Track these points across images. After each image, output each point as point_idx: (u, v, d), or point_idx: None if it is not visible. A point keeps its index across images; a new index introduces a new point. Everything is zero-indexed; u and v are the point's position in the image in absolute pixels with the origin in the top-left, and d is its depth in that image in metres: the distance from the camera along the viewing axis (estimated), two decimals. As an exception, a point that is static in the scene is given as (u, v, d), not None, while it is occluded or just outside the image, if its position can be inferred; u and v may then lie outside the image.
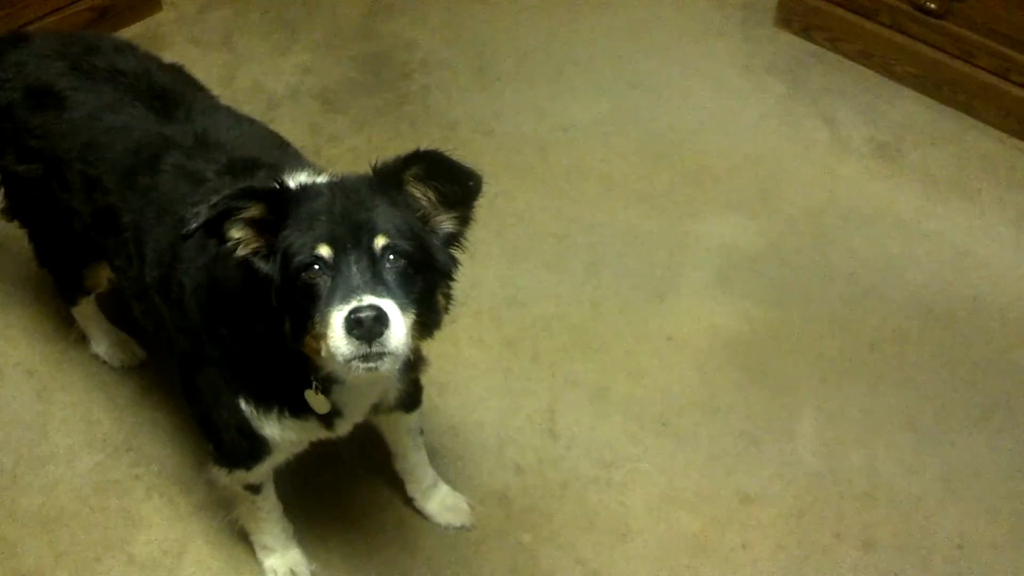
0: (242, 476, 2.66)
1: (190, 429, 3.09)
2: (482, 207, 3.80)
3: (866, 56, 4.50)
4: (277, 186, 2.17)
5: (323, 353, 2.10)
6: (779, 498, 3.07)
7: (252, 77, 4.44)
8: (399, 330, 2.06)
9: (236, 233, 2.17)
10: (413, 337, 2.15)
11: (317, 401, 2.36)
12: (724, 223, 3.86)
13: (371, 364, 2.06)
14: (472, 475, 3.13)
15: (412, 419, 2.87)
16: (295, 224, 2.15)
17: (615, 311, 3.57)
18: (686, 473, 3.13)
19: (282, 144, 2.82)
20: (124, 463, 3.13)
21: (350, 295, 2.05)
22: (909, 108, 4.33)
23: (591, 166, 4.09)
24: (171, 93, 2.78)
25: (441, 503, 3.01)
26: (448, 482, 3.07)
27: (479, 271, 3.66)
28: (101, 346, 3.33)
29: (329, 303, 2.07)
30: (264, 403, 2.43)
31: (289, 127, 4.19)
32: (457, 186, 2.21)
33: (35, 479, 3.10)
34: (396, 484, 3.04)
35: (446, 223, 2.25)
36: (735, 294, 3.61)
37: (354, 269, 2.09)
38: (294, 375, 2.33)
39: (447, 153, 2.20)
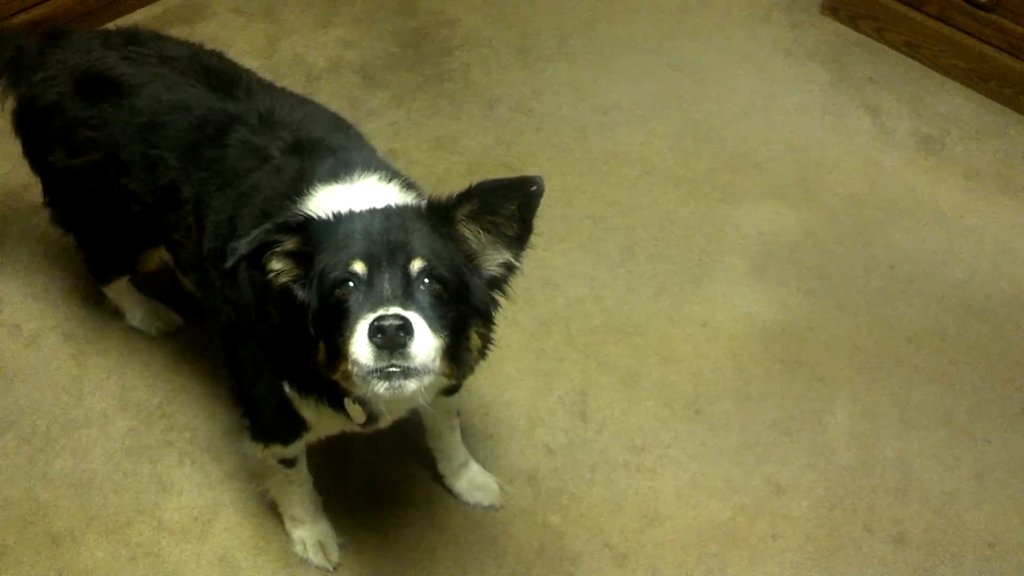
0: (278, 451, 2.68)
1: (223, 397, 3.10)
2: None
3: (913, 47, 4.45)
4: (305, 218, 2.17)
5: (349, 369, 2.07)
6: (810, 489, 3.05)
7: (293, 49, 4.44)
8: (424, 344, 2.03)
9: (276, 264, 2.18)
10: (442, 369, 2.12)
11: (354, 411, 2.37)
12: (763, 210, 3.83)
13: (394, 384, 2.04)
14: (501, 454, 3.13)
15: (451, 401, 2.86)
16: (330, 247, 2.14)
17: (650, 295, 3.56)
18: (717, 461, 3.12)
19: (344, 126, 2.81)
20: (157, 429, 3.15)
21: (378, 305, 2.03)
22: (954, 101, 4.29)
23: (630, 149, 4.06)
24: (226, 74, 2.80)
25: (471, 482, 3.01)
26: (477, 461, 3.07)
27: (514, 250, 3.65)
28: (136, 317, 3.35)
29: (358, 314, 2.05)
30: (304, 389, 2.42)
31: (328, 100, 4.16)
32: (516, 200, 2.17)
33: (69, 442, 3.12)
34: (424, 460, 3.05)
35: (493, 267, 2.23)
36: (772, 282, 3.59)
37: (386, 284, 2.07)
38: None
39: (502, 181, 2.21)
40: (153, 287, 3.39)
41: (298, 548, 2.88)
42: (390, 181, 2.39)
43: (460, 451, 3.00)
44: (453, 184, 3.77)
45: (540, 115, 4.19)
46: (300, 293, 2.18)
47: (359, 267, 2.09)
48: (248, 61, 4.20)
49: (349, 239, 2.12)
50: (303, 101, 2.84)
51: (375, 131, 4.05)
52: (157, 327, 3.35)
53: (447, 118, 4.16)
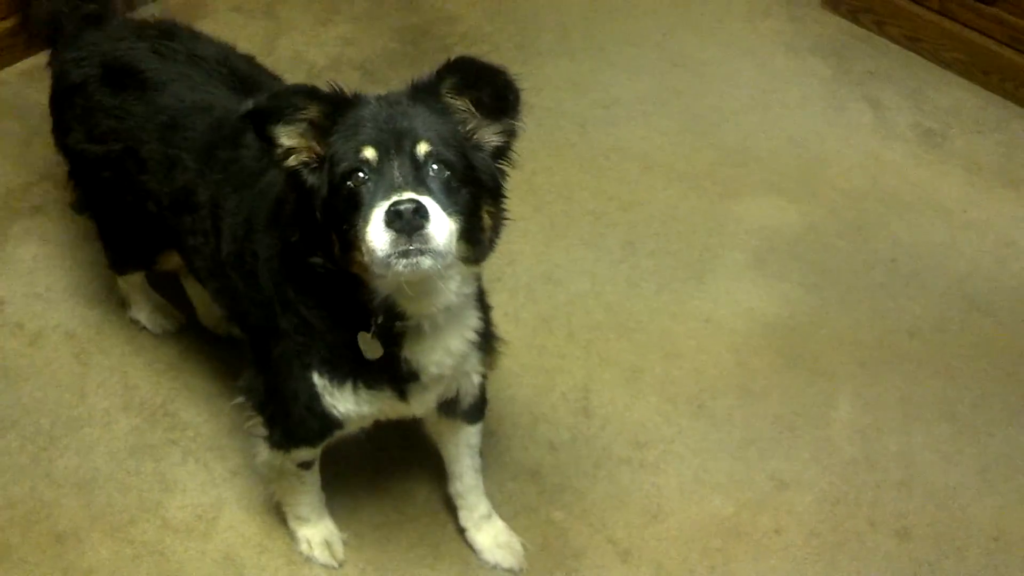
0: (301, 454, 2.65)
1: (226, 396, 3.09)
2: (520, 183, 3.84)
3: (913, 41, 4.45)
4: (333, 89, 2.19)
5: (366, 259, 2.08)
6: (814, 484, 3.05)
7: (293, 47, 4.44)
8: (441, 226, 2.04)
9: (287, 140, 2.17)
10: (459, 252, 2.13)
11: (370, 345, 2.32)
12: (764, 205, 3.83)
13: (411, 260, 2.03)
14: (504, 451, 3.13)
15: (472, 432, 2.81)
16: (342, 131, 2.15)
17: (652, 291, 3.56)
18: (720, 456, 3.12)
19: None
20: (160, 427, 3.14)
21: (391, 192, 2.04)
22: (956, 95, 4.29)
23: (631, 144, 4.06)
24: (251, 78, 2.81)
25: (494, 539, 2.90)
26: (479, 457, 3.06)
27: (516, 247, 3.65)
28: (142, 312, 3.34)
29: (371, 203, 2.06)
30: (338, 376, 2.41)
31: (330, 97, 4.20)
32: (494, 93, 2.18)
33: (72, 441, 3.12)
34: (425, 459, 3.02)
35: (492, 136, 2.23)
36: (774, 277, 3.59)
37: (396, 172, 2.08)
38: (355, 321, 2.30)
39: (481, 58, 2.18)
40: (160, 283, 3.39)
41: (303, 547, 2.87)
42: None
43: (483, 500, 2.90)
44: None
45: (541, 110, 4.18)
46: (310, 178, 2.18)
47: (369, 153, 2.10)
48: (248, 59, 4.24)
49: (359, 126, 2.14)
50: None
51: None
52: (162, 325, 3.34)
53: (448, 115, 4.15)
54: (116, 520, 2.96)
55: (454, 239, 2.09)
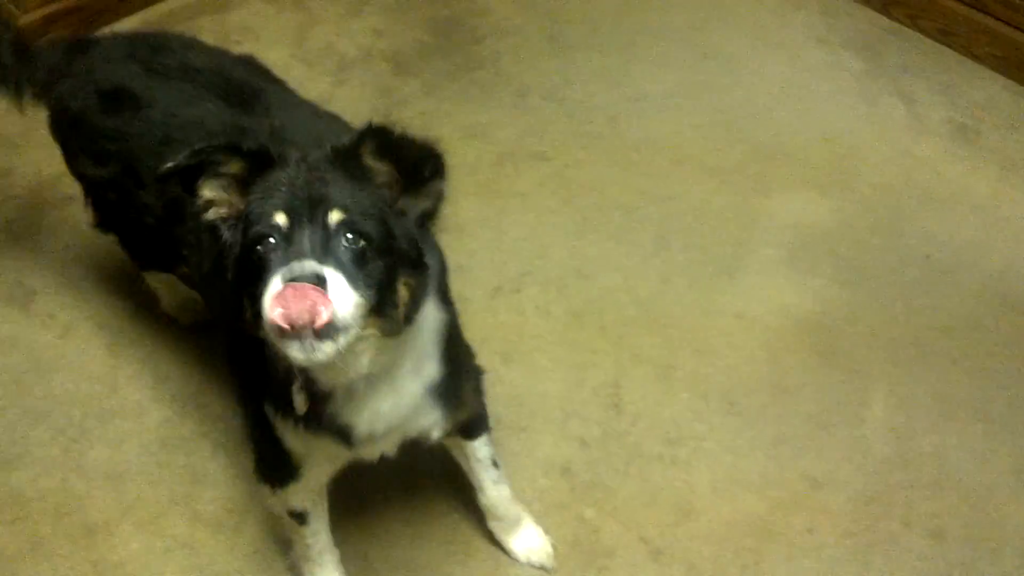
0: (283, 498, 2.57)
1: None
2: (550, 176, 3.85)
3: (947, 35, 4.40)
4: (259, 148, 2.08)
5: (265, 329, 1.94)
6: (847, 483, 3.03)
7: (324, 38, 4.43)
8: (343, 302, 1.89)
9: (209, 193, 2.09)
10: (367, 325, 1.98)
11: (297, 399, 2.21)
12: (796, 200, 3.80)
13: (304, 343, 1.88)
14: (535, 447, 3.12)
15: (477, 447, 2.74)
16: (260, 192, 2.04)
17: (683, 286, 3.53)
18: (752, 454, 3.10)
19: None
20: (191, 420, 3.15)
21: (292, 260, 1.91)
22: (989, 90, 4.24)
23: (662, 138, 4.04)
24: (247, 87, 2.74)
25: (525, 542, 2.88)
26: (511, 454, 3.05)
27: (546, 240, 3.65)
28: (172, 305, 3.35)
29: (273, 272, 1.91)
30: (282, 410, 2.31)
31: (360, 90, 4.20)
32: (415, 165, 2.03)
33: (104, 433, 3.13)
34: (440, 485, 3.00)
35: (417, 201, 2.07)
36: (806, 273, 3.56)
37: (305, 240, 1.95)
38: (286, 373, 2.19)
39: (399, 129, 2.01)
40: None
41: None
42: None
43: (511, 508, 2.85)
44: (484, 174, 3.85)
45: (571, 104, 4.17)
46: (227, 234, 2.09)
47: (281, 219, 1.98)
48: (278, 50, 4.26)
49: (274, 189, 2.02)
50: (320, 116, 2.77)
51: (406, 120, 3.93)
52: (191, 317, 3.34)
53: (478, 107, 4.14)
54: (147, 513, 2.97)
55: (360, 314, 1.94)
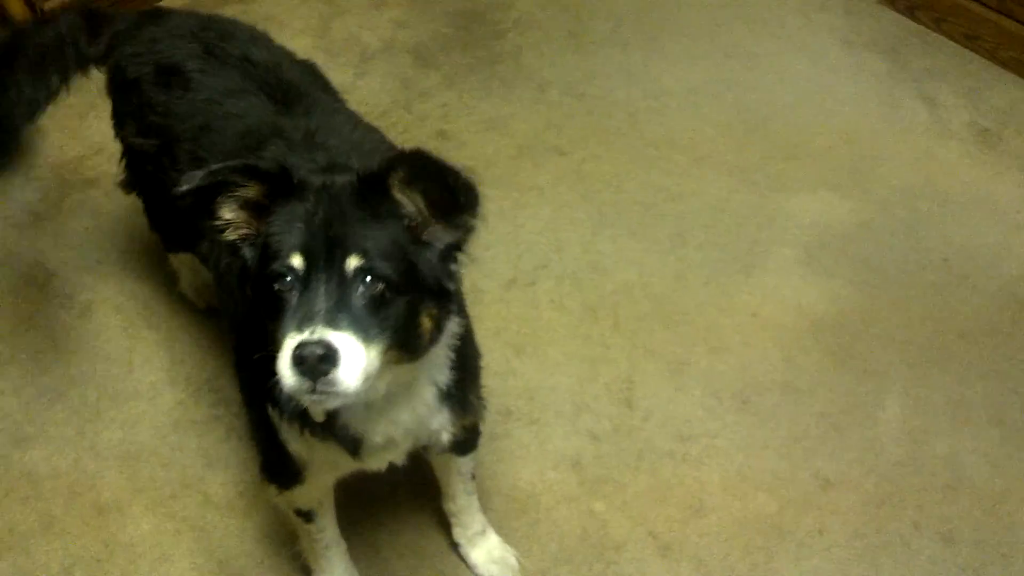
0: (289, 498, 2.57)
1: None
2: (569, 171, 3.85)
3: (971, 39, 4.38)
4: (279, 169, 2.04)
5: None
6: (859, 484, 3.02)
7: (347, 29, 4.44)
8: (353, 369, 1.90)
9: (228, 213, 2.06)
10: (390, 360, 1.99)
11: (313, 409, 2.19)
12: (816, 200, 3.79)
13: (317, 397, 1.93)
14: (546, 439, 3.12)
15: (464, 462, 2.73)
16: (279, 221, 2.02)
17: (699, 283, 3.53)
18: (764, 453, 3.09)
19: None
20: (205, 403, 3.16)
21: (305, 323, 1.91)
22: (1013, 94, 4.21)
23: (682, 135, 4.03)
24: (296, 89, 2.72)
25: (488, 554, 2.88)
26: (522, 446, 3.06)
27: (563, 235, 3.64)
28: (190, 288, 3.36)
29: (287, 325, 1.93)
30: (287, 415, 2.30)
31: (381, 81, 4.20)
32: (448, 194, 1.98)
33: (118, 414, 3.15)
34: (415, 472, 2.90)
35: (443, 233, 2.04)
36: (823, 273, 3.55)
37: (321, 290, 1.94)
38: None
39: (436, 155, 1.95)
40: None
41: None
42: None
43: (477, 518, 2.86)
44: (502, 167, 3.85)
45: (591, 99, 4.16)
46: (247, 253, 2.07)
47: (297, 261, 1.96)
48: (301, 40, 4.27)
49: (294, 223, 1.99)
50: (359, 126, 2.72)
51: (427, 111, 4.06)
52: (208, 301, 3.35)
53: (498, 100, 4.14)
54: (158, 494, 2.98)
55: (375, 366, 1.94)
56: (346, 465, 2.44)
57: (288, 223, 2.00)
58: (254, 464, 2.98)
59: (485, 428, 2.94)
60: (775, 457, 3.08)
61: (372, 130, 2.76)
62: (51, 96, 2.99)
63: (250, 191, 2.04)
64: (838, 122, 4.10)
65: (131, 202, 3.28)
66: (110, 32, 2.96)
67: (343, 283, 1.95)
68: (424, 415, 2.32)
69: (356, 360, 1.91)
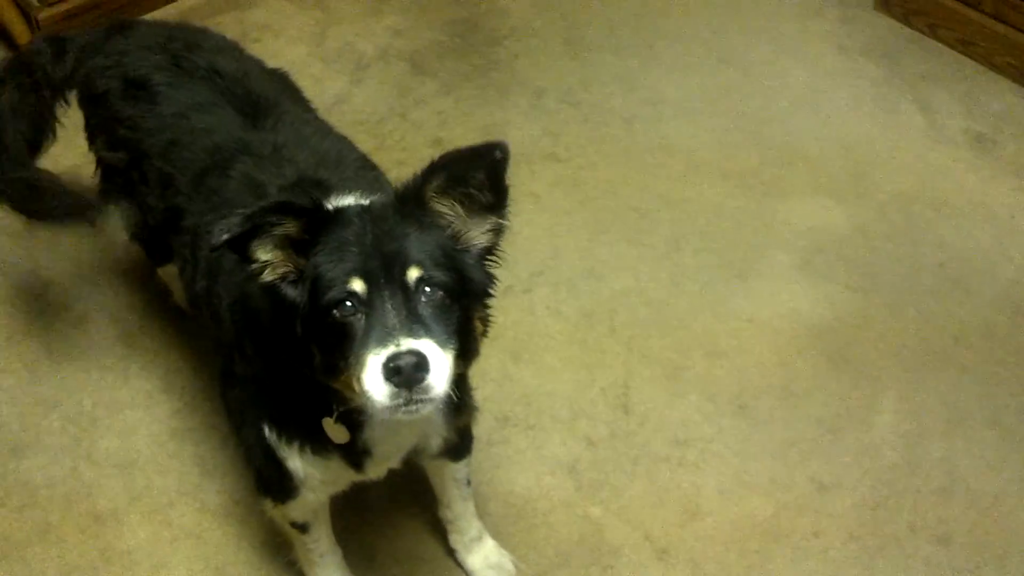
0: (284, 511, 2.56)
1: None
2: (566, 177, 3.86)
3: (966, 44, 4.39)
4: (314, 204, 2.05)
5: (358, 393, 1.98)
6: (854, 488, 3.02)
7: (343, 37, 4.45)
8: (441, 373, 1.95)
9: (264, 255, 2.04)
10: (455, 369, 2.02)
11: (334, 430, 2.23)
12: (811, 206, 3.80)
13: (411, 408, 1.95)
14: (543, 445, 3.12)
15: (459, 468, 2.72)
16: (326, 251, 2.02)
17: (695, 289, 3.53)
18: (760, 457, 3.09)
19: (365, 166, 2.67)
20: (201, 411, 3.16)
21: (387, 338, 1.93)
22: (1007, 99, 4.22)
23: (678, 142, 4.04)
24: (265, 100, 2.71)
25: (484, 559, 2.85)
26: (519, 451, 3.06)
27: (559, 241, 3.65)
28: (184, 299, 3.35)
29: (364, 345, 1.94)
30: (286, 434, 2.33)
31: (377, 88, 4.21)
32: (483, 168, 2.01)
33: (114, 422, 3.15)
34: (412, 478, 2.92)
35: (480, 236, 2.09)
36: (819, 278, 3.56)
37: (389, 307, 1.96)
38: (316, 404, 2.20)
39: (464, 149, 2.03)
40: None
41: None
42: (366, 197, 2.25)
43: (473, 524, 2.84)
44: (500, 174, 3.84)
45: (588, 106, 4.17)
46: (290, 292, 2.05)
47: (358, 286, 1.98)
48: (297, 48, 4.28)
49: (344, 249, 2.01)
50: (329, 138, 2.72)
51: (423, 119, 4.07)
52: None
53: (495, 108, 4.15)
54: (155, 502, 2.98)
55: (452, 370, 1.99)
56: (346, 478, 2.46)
57: (337, 250, 2.02)
58: (249, 475, 3.00)
59: (482, 434, 2.99)
60: (771, 461, 3.08)
61: (341, 140, 2.76)
62: (40, 132, 3.01)
63: (288, 228, 2.03)
64: (834, 128, 4.11)
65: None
66: (75, 49, 2.94)
67: (407, 295, 1.98)
68: (425, 425, 2.35)
69: (443, 364, 1.96)
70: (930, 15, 4.46)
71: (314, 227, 2.04)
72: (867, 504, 2.99)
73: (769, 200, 3.82)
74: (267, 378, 2.32)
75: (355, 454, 2.30)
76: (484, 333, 2.18)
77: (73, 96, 3.01)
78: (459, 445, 2.60)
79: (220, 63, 2.78)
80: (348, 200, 2.18)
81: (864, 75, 4.33)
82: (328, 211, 2.07)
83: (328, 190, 2.30)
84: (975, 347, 3.37)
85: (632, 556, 2.88)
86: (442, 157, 2.03)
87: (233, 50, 2.95)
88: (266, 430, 2.35)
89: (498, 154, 2.01)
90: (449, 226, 2.07)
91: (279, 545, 2.86)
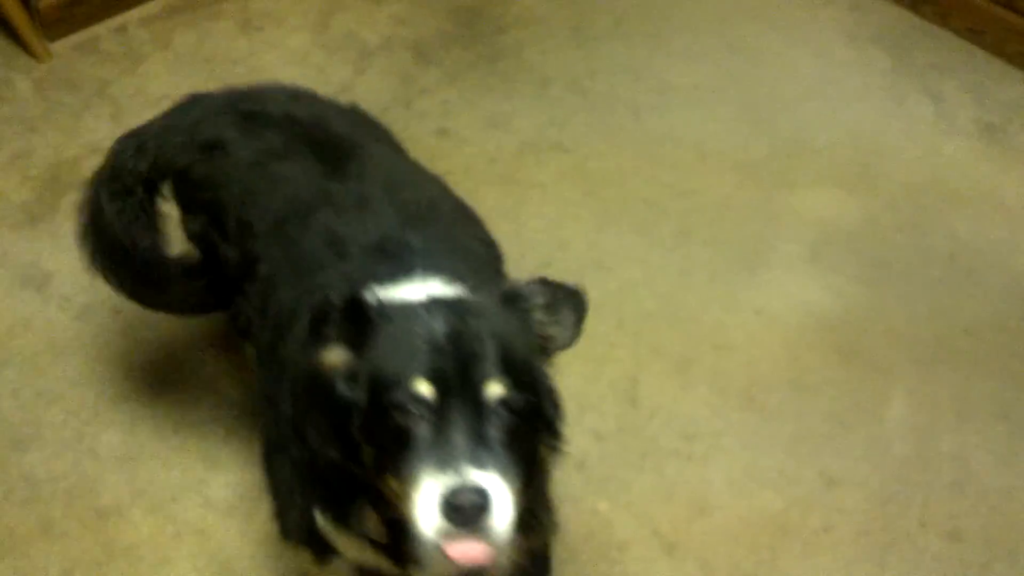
0: (310, 568, 2.41)
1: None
2: (572, 168, 3.83)
3: (976, 33, 4.35)
4: (353, 300, 1.89)
5: (404, 508, 1.80)
6: (865, 482, 2.99)
7: (346, 25, 4.41)
8: (504, 515, 1.75)
9: (334, 357, 1.91)
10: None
11: (376, 529, 2.06)
12: (821, 197, 3.76)
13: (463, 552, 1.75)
14: (550, 439, 3.09)
15: None
16: (389, 344, 1.85)
17: (704, 281, 3.50)
18: (770, 451, 3.06)
19: (459, 217, 2.52)
20: (205, 405, 3.13)
21: (450, 462, 1.73)
22: (1019, 89, 4.18)
23: (686, 131, 4.00)
24: (347, 144, 2.55)
25: None
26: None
27: (566, 233, 3.62)
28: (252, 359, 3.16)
29: (424, 463, 1.75)
30: (340, 521, 2.13)
31: (381, 78, 4.18)
32: (571, 303, 2.00)
33: (116, 416, 3.12)
34: None
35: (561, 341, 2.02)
36: (829, 270, 3.52)
37: (458, 422, 1.75)
38: (363, 495, 2.01)
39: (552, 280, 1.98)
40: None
41: None
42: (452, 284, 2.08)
43: None
44: (504, 164, 3.82)
45: (594, 95, 4.14)
46: (343, 388, 1.88)
47: (425, 389, 1.78)
48: (300, 37, 4.25)
49: (409, 342, 1.82)
50: (422, 182, 2.55)
51: (427, 109, 4.04)
52: None
53: (500, 97, 4.11)
54: (159, 497, 2.95)
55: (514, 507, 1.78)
56: (390, 571, 2.24)
57: (404, 343, 1.84)
58: (255, 466, 2.96)
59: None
60: (781, 455, 3.05)
61: (432, 183, 2.60)
62: (151, 231, 2.78)
63: (346, 327, 1.89)
64: (843, 118, 4.07)
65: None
66: (152, 136, 2.73)
67: (480, 413, 1.78)
68: None
69: (507, 503, 1.75)
70: (940, 4, 4.42)
71: (363, 323, 1.89)
72: (878, 499, 2.96)
73: (778, 191, 3.78)
74: (321, 464, 2.06)
75: (400, 557, 2.06)
76: (548, 469, 2.06)
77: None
78: (531, 572, 2.30)
79: (294, 109, 2.65)
80: (433, 282, 2.04)
81: (873, 64, 4.29)
82: (376, 308, 1.90)
83: (411, 261, 2.15)
84: (986, 340, 3.34)
85: (640, 551, 2.85)
86: (547, 281, 1.97)
87: (308, 96, 2.79)
88: (316, 512, 2.17)
89: (586, 301, 2.00)
90: (541, 344, 1.97)
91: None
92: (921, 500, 2.97)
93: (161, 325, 3.32)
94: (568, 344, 2.02)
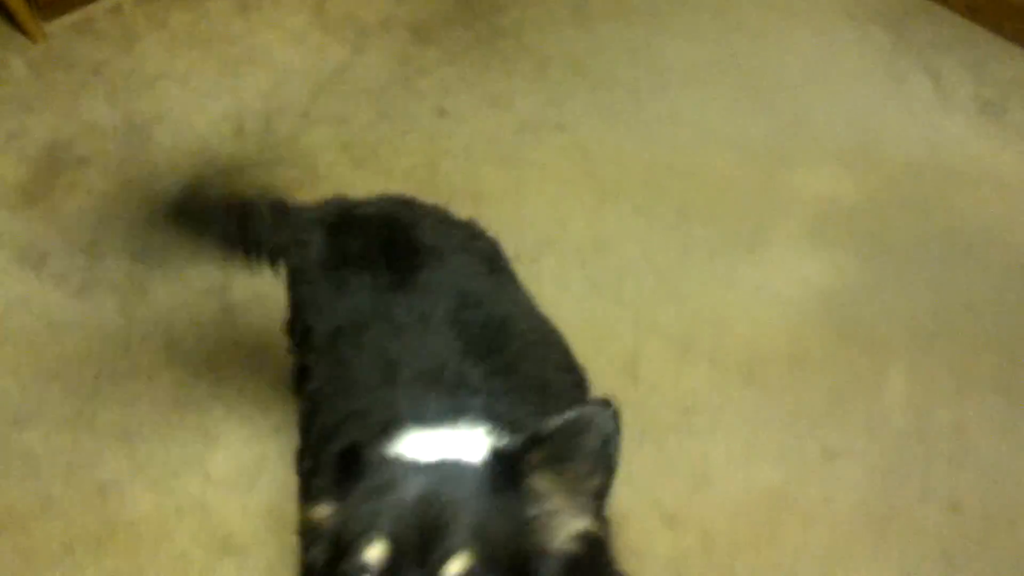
0: None
1: (270, 350, 3.08)
2: (572, 147, 3.81)
3: (975, 11, 4.34)
4: (349, 452, 1.69)
5: None
6: (864, 456, 2.99)
7: (344, 5, 4.39)
8: None
9: (323, 510, 1.72)
10: None
11: None
12: (821, 175, 3.75)
13: None
14: (550, 415, 3.09)
15: None
16: (358, 499, 1.65)
17: (704, 259, 3.50)
18: (770, 425, 3.06)
19: (543, 341, 2.33)
20: (204, 382, 3.13)
21: None
22: (1017, 66, 4.17)
23: (685, 111, 3.99)
24: (423, 251, 2.30)
25: None
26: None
27: (565, 211, 3.62)
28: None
29: None
30: None
31: (379, 57, 4.16)
32: (593, 433, 1.67)
33: (116, 392, 3.11)
34: None
35: (567, 537, 1.69)
36: (829, 247, 3.52)
37: None
38: None
39: (578, 416, 1.66)
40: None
41: None
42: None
43: None
44: (504, 144, 3.81)
45: (594, 75, 4.12)
46: (313, 550, 1.69)
47: (376, 553, 1.56)
48: (298, 17, 4.24)
49: (374, 504, 1.62)
50: (496, 303, 2.31)
51: (426, 89, 4.03)
52: None
53: (499, 76, 4.10)
54: (159, 473, 2.95)
55: None
56: None
57: (371, 501, 1.63)
58: (255, 442, 3.00)
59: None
60: (780, 429, 3.05)
61: (513, 306, 2.40)
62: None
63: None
64: (843, 96, 4.06)
65: (124, 180, 3.25)
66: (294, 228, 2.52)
67: None
68: None
69: None
70: (938, -18, 4.42)
71: (350, 476, 1.69)
72: (877, 472, 2.96)
73: (778, 169, 3.77)
74: None
75: None
76: None
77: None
78: None
79: (388, 209, 2.46)
80: (479, 431, 1.82)
81: (873, 43, 4.28)
82: (367, 462, 1.69)
83: (465, 401, 1.94)
84: (985, 315, 3.33)
85: (641, 523, 2.85)
86: (551, 424, 1.65)
87: (411, 201, 2.55)
88: None
89: (610, 424, 1.67)
90: (539, 513, 1.66)
91: (286, 516, 2.83)
92: (920, 473, 2.96)
93: (159, 303, 3.32)
94: (600, 487, 1.72)
